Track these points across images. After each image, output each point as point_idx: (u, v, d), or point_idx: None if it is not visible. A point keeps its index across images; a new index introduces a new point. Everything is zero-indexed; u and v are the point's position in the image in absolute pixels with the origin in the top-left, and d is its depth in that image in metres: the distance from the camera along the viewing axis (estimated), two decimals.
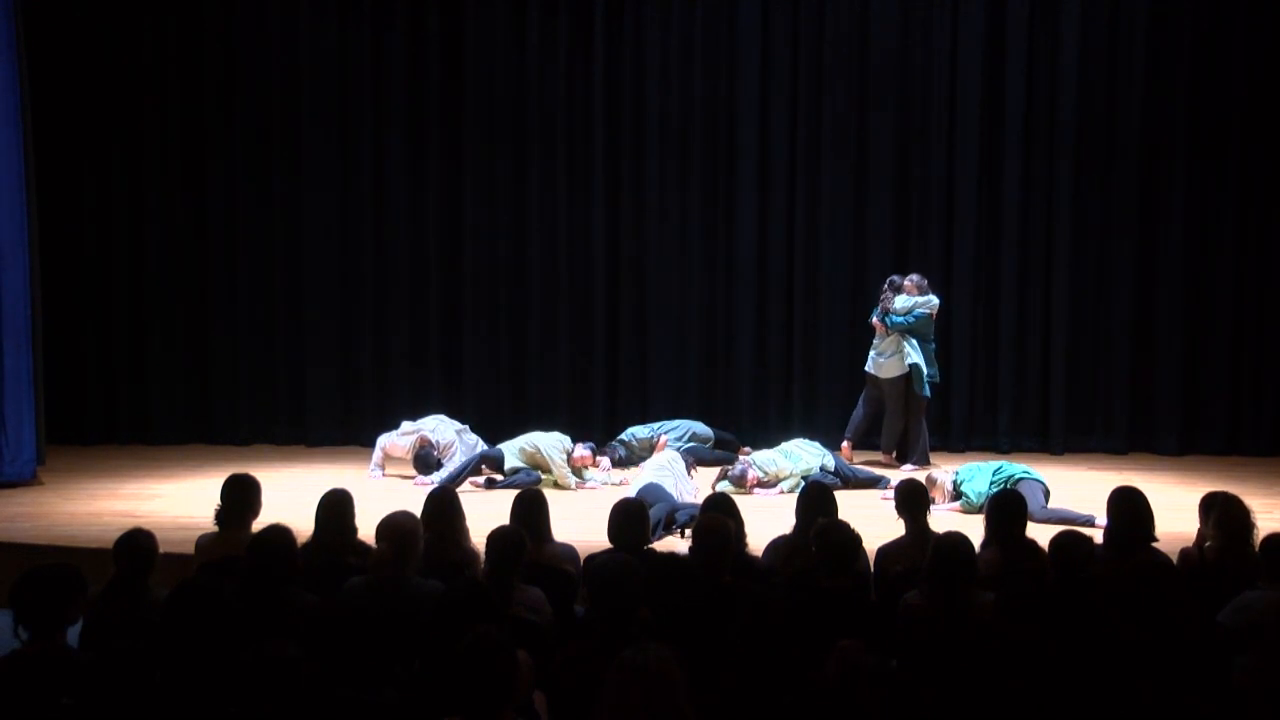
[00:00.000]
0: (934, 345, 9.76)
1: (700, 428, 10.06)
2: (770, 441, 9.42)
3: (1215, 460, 10.27)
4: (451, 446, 9.25)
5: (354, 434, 10.66)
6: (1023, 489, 7.33)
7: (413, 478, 9.12)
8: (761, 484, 8.68)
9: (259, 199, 10.82)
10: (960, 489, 8.01)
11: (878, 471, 9.14)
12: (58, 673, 3.75)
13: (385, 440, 9.41)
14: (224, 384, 10.88)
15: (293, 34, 10.74)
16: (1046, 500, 7.73)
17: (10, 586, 4.00)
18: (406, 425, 9.44)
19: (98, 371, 10.87)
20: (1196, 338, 10.65)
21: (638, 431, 9.87)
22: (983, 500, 7.52)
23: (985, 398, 10.77)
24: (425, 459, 9.17)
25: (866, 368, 9.78)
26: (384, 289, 10.92)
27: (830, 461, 8.87)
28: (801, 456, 8.85)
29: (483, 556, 4.82)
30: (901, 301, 9.60)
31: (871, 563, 5.49)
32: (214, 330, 10.87)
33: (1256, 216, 10.59)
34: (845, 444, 9.61)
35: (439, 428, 9.39)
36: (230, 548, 5.17)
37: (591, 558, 4.95)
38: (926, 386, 9.58)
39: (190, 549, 5.61)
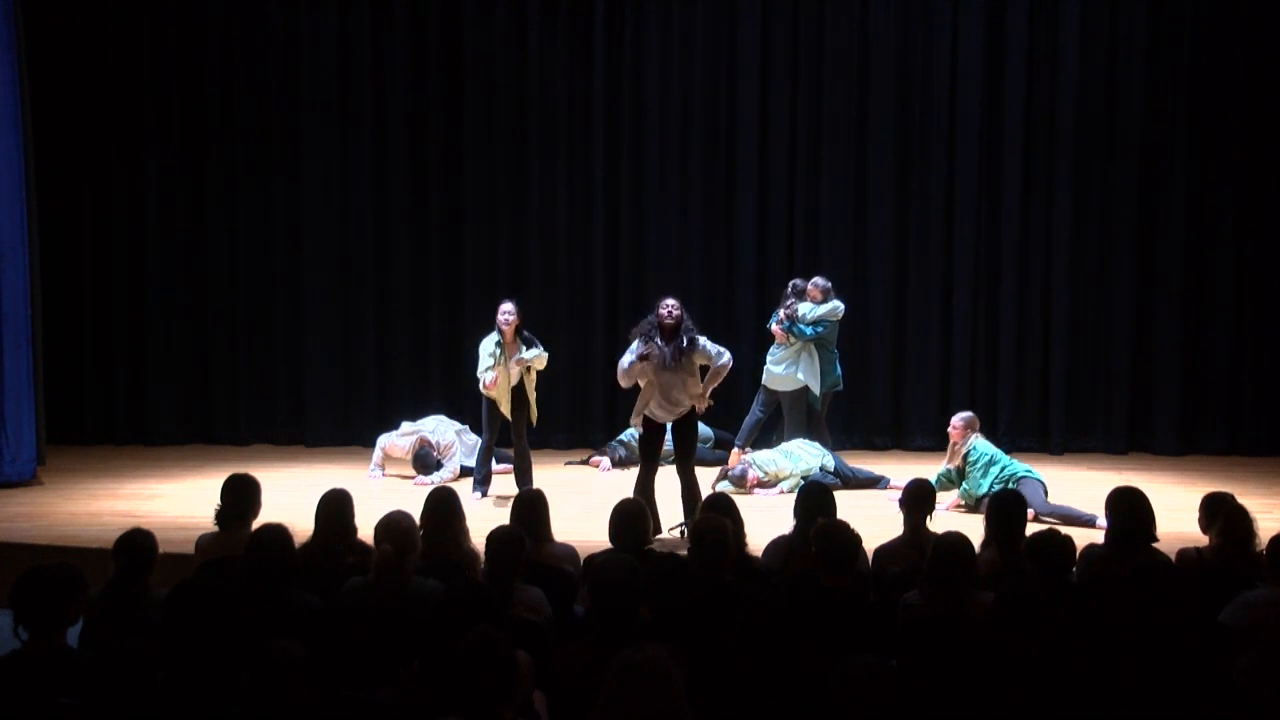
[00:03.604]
0: (836, 352, 9.39)
1: (700, 427, 10.03)
2: (770, 442, 9.42)
3: (1215, 460, 10.29)
4: (451, 446, 9.26)
5: (354, 434, 10.66)
6: (1024, 487, 7.48)
7: (413, 478, 9.13)
8: (761, 484, 8.69)
9: (259, 199, 10.82)
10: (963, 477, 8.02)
11: (877, 471, 9.13)
12: (58, 673, 3.75)
13: (385, 440, 9.42)
14: (224, 384, 10.88)
15: (293, 34, 10.75)
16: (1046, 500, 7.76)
17: (10, 586, 4.00)
18: (406, 425, 9.45)
19: (98, 371, 10.87)
20: (1196, 338, 10.66)
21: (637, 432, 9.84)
22: (981, 493, 7.67)
23: (985, 398, 10.77)
24: (425, 459, 9.18)
25: (764, 379, 9.37)
26: (384, 289, 10.92)
27: (830, 461, 8.87)
28: (801, 456, 8.85)
29: (483, 556, 4.82)
30: (807, 309, 9.18)
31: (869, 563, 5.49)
32: (214, 330, 10.87)
33: (1256, 217, 10.60)
34: (735, 451, 9.19)
35: (439, 428, 9.40)
36: (230, 548, 5.16)
37: (591, 558, 4.94)
38: (819, 400, 9.29)
39: (190, 549, 5.61)
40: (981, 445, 8.08)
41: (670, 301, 7.30)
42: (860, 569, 5.08)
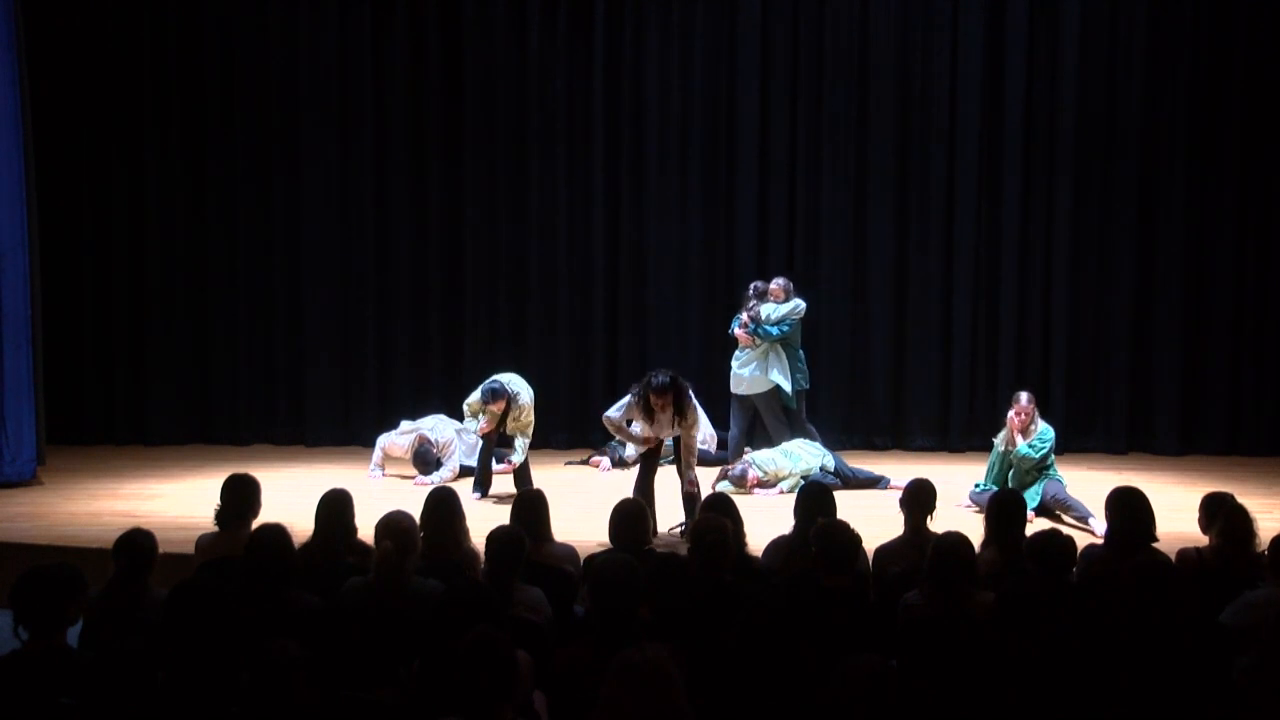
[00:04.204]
0: (802, 351, 9.39)
1: None
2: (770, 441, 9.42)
3: (1215, 460, 10.28)
4: (450, 445, 9.26)
5: (354, 434, 10.66)
6: (1052, 486, 7.80)
7: (413, 477, 9.14)
8: (761, 484, 8.69)
9: (259, 199, 10.82)
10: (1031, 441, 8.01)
11: (877, 471, 9.12)
12: (58, 673, 3.75)
13: (385, 440, 9.42)
14: (224, 384, 10.88)
15: (293, 34, 10.74)
16: None
17: (10, 586, 4.00)
18: (406, 425, 9.46)
19: (98, 371, 10.87)
20: (1196, 338, 10.65)
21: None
22: (1035, 457, 7.84)
23: (985, 398, 10.77)
24: (424, 456, 9.18)
25: (732, 387, 9.33)
26: (384, 289, 10.92)
27: (830, 461, 8.87)
28: (801, 456, 8.85)
29: (483, 556, 4.82)
30: (770, 310, 9.17)
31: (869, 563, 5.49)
32: (214, 331, 10.87)
33: (1256, 216, 10.60)
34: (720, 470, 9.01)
35: (438, 427, 9.40)
36: (230, 547, 5.16)
37: (591, 558, 4.95)
38: (794, 399, 9.27)
39: (190, 549, 5.62)
40: (1047, 431, 8.04)
41: (661, 384, 6.97)
42: (860, 569, 5.08)
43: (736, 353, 9.34)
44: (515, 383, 8.31)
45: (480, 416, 8.37)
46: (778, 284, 9.28)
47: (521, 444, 8.30)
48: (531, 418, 8.37)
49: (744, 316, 9.20)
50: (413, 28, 10.79)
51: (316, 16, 10.72)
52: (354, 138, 10.82)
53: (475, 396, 8.34)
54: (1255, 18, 10.44)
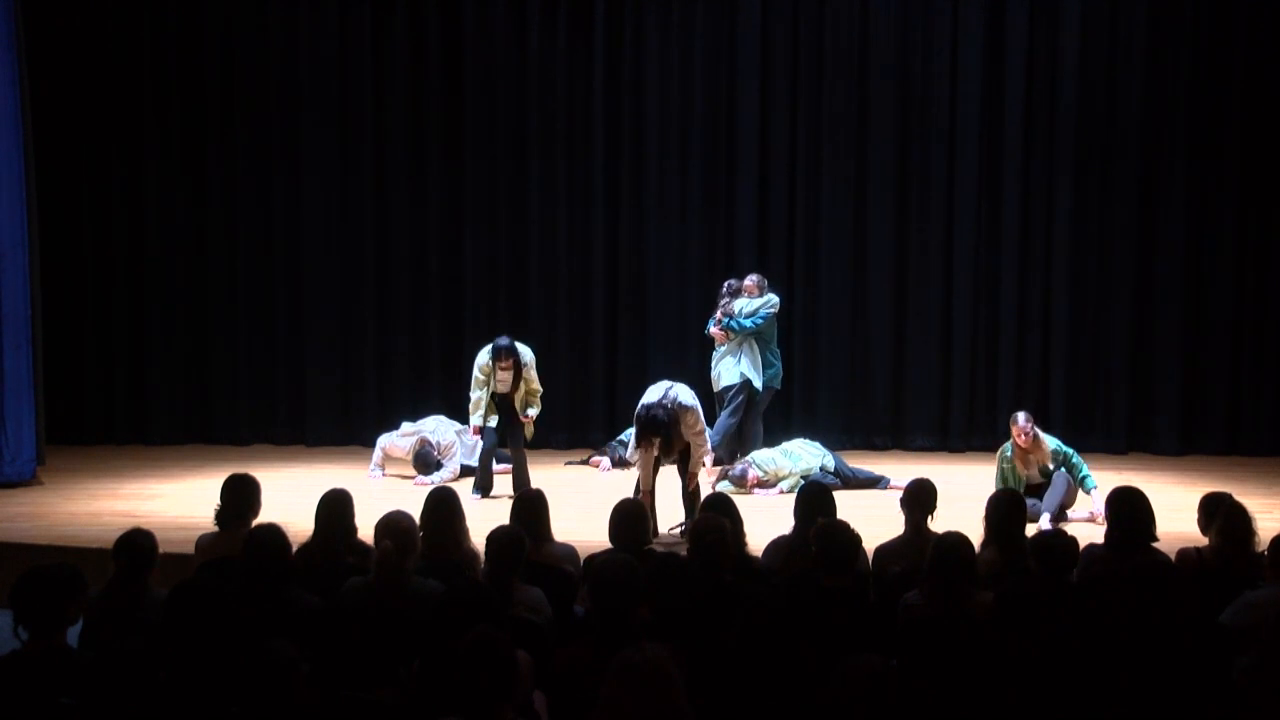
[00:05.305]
0: (778, 347, 9.47)
1: None
2: (770, 441, 9.42)
3: (1215, 460, 10.28)
4: (451, 447, 9.27)
5: (354, 434, 10.66)
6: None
7: (413, 478, 9.14)
8: (761, 484, 8.69)
9: (259, 199, 10.82)
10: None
11: (877, 471, 9.12)
12: (58, 673, 3.75)
13: (385, 440, 9.43)
14: (224, 384, 10.88)
15: (293, 34, 10.75)
16: None
17: (10, 586, 4.00)
18: (406, 426, 9.46)
19: (97, 371, 10.88)
20: (1196, 337, 10.66)
21: None
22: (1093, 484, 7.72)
23: (985, 398, 10.77)
24: (425, 458, 9.19)
25: (714, 386, 9.36)
26: (384, 290, 10.92)
27: (830, 461, 8.88)
28: (801, 456, 8.85)
29: (483, 556, 4.82)
30: (742, 304, 9.26)
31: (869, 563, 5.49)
32: (214, 330, 10.88)
33: (1256, 216, 10.61)
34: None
35: (439, 428, 9.40)
36: (230, 547, 5.15)
37: (591, 558, 4.94)
38: (759, 393, 9.32)
39: (190, 549, 5.62)
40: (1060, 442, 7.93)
41: (654, 422, 6.90)
42: (860, 569, 5.08)
43: (714, 352, 9.40)
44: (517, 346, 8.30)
45: (493, 380, 8.24)
46: (751, 280, 9.39)
47: (533, 412, 8.37)
48: (537, 381, 8.39)
49: (718, 314, 9.28)
50: (413, 28, 10.79)
51: (316, 16, 10.73)
52: (354, 137, 10.82)
53: (484, 358, 8.26)
54: (1255, 18, 10.44)
